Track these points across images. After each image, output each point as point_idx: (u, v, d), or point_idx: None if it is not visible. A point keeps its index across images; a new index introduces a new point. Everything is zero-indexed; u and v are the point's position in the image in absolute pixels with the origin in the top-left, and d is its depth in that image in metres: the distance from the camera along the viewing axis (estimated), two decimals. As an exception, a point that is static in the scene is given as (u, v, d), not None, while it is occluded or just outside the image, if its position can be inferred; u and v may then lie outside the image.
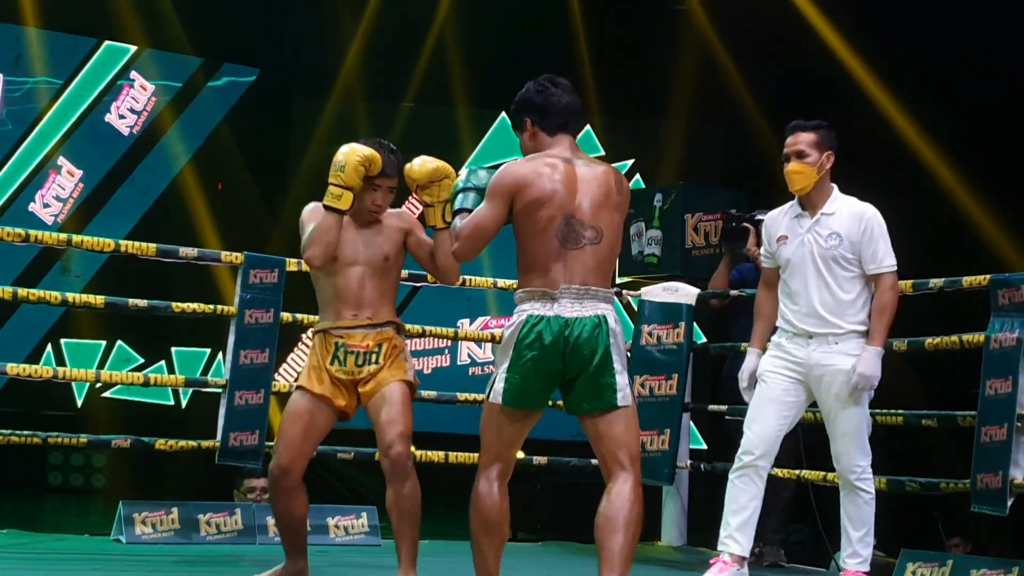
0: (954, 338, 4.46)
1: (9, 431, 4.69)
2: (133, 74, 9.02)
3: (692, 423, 6.00)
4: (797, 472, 5.03)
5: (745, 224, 5.43)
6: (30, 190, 8.77)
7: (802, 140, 4.06)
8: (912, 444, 6.76)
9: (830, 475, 4.78)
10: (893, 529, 6.73)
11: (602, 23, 9.54)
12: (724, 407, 5.35)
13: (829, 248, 3.96)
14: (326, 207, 3.60)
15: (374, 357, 3.68)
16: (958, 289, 4.50)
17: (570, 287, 3.08)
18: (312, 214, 3.73)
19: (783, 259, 4.06)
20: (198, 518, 4.87)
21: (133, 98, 9.06)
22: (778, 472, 5.10)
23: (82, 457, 8.97)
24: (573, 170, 3.15)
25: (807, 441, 5.31)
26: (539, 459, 5.71)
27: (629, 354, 3.31)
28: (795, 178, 4.04)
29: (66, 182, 8.83)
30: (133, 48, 9.00)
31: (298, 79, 9.47)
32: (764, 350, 4.16)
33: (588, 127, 9.67)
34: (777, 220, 4.14)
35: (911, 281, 4.66)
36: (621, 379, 3.10)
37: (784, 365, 4.01)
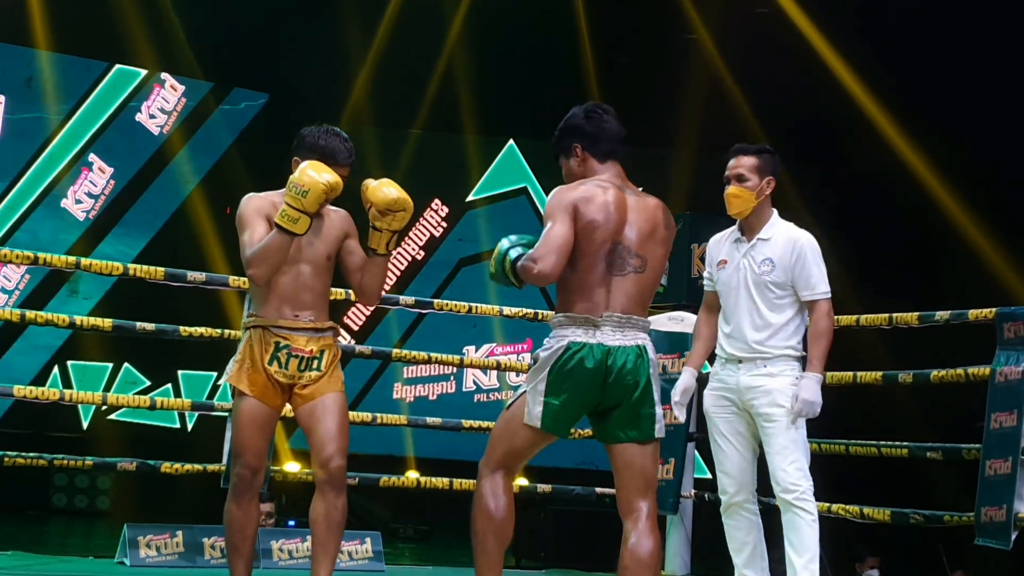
0: (959, 371, 4.47)
1: (15, 452, 4.70)
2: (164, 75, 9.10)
3: (696, 452, 5.99)
4: (801, 503, 5.01)
5: None
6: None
7: (743, 164, 4.05)
8: (917, 476, 6.75)
9: (834, 506, 4.78)
10: (898, 561, 6.72)
11: (610, 53, 9.59)
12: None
13: (761, 274, 3.96)
14: (279, 227, 3.46)
15: (315, 363, 3.58)
16: (964, 322, 4.51)
17: (612, 315, 3.08)
18: (253, 212, 3.59)
19: (721, 283, 4.07)
20: (203, 541, 4.87)
21: (164, 99, 9.14)
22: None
23: (87, 479, 8.97)
24: (624, 197, 3.17)
25: (811, 472, 5.31)
26: (543, 487, 5.70)
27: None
28: (733, 202, 4.04)
29: (98, 178, 8.90)
30: (144, 72, 9.06)
31: (308, 104, 9.50)
32: (699, 369, 4.17)
33: (596, 155, 9.71)
34: (719, 243, 4.16)
35: (917, 313, 4.68)
36: (659, 410, 3.11)
37: (721, 397, 4.01)
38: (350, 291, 4.32)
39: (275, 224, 3.47)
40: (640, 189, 3.29)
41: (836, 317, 5.11)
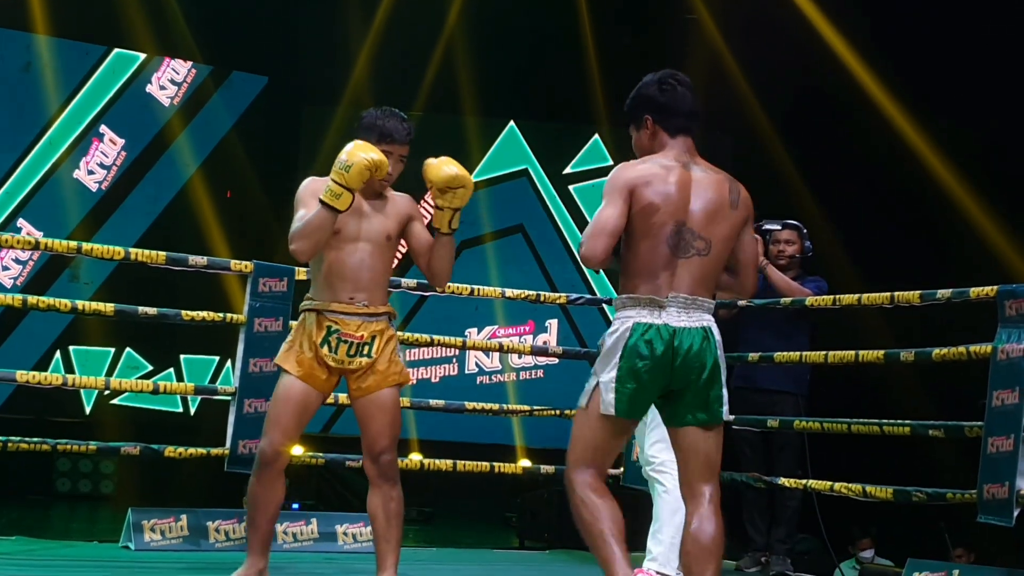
0: (961, 349, 4.47)
1: (19, 438, 4.71)
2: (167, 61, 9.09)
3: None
4: (803, 482, 5.03)
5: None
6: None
7: None
8: (919, 454, 6.76)
9: (836, 485, 4.79)
10: (899, 538, 6.73)
11: (611, 32, 9.56)
12: (731, 417, 5.35)
13: None
14: (323, 203, 3.49)
15: (366, 349, 3.60)
16: (965, 300, 4.51)
17: (678, 295, 3.00)
18: (309, 195, 3.60)
19: None
20: (207, 525, 4.89)
21: (174, 70, 9.10)
22: (784, 482, 5.12)
23: (90, 463, 8.99)
24: (689, 176, 3.06)
25: (812, 451, 5.33)
26: (546, 468, 5.72)
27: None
28: None
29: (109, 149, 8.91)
30: (142, 56, 9.04)
31: (307, 87, 9.49)
32: None
33: (596, 137, 9.70)
34: None
35: (918, 292, 4.67)
36: (726, 393, 3.05)
37: None
38: None
39: (320, 200, 3.49)
40: (711, 165, 3.15)
41: (838, 296, 5.13)
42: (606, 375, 3.02)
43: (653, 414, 4.06)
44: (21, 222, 8.62)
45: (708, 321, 3.04)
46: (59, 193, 8.77)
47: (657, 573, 3.99)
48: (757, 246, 3.11)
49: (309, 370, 3.59)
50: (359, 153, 3.48)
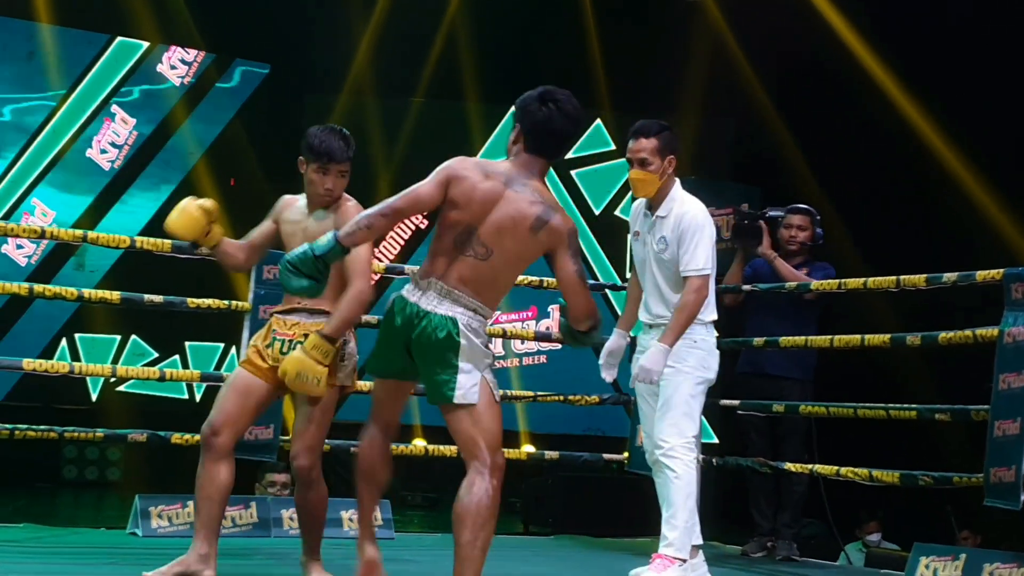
0: (967, 332, 4.47)
1: (26, 426, 4.72)
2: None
3: (703, 417, 6.00)
4: (809, 467, 5.04)
5: (758, 222, 5.45)
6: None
7: (644, 148, 4.12)
8: (926, 438, 6.77)
9: (843, 469, 4.80)
10: (906, 522, 6.74)
11: (612, 17, 9.54)
12: (736, 402, 5.36)
13: (660, 251, 4.13)
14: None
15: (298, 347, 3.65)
16: (971, 283, 4.50)
17: (440, 284, 3.20)
18: (274, 212, 3.98)
19: (635, 254, 4.26)
20: (213, 512, 4.88)
21: (185, 49, 9.10)
22: (790, 467, 5.12)
23: (97, 450, 9.01)
24: (502, 192, 3.19)
25: (818, 436, 5.33)
26: (551, 454, 5.73)
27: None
28: (638, 186, 4.16)
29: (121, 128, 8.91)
30: (145, 44, 9.03)
31: (310, 75, 9.48)
32: (628, 330, 4.33)
33: (599, 121, 9.68)
34: (636, 214, 4.29)
35: (924, 275, 4.67)
36: (461, 378, 3.18)
37: (639, 360, 4.15)
38: None
39: None
40: (547, 191, 3.25)
41: (844, 280, 5.13)
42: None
43: (661, 400, 4.09)
44: (35, 200, 8.64)
45: (459, 314, 3.18)
46: (72, 172, 8.78)
47: (674, 558, 3.99)
48: (574, 273, 3.18)
49: (253, 362, 3.73)
50: (172, 218, 3.79)
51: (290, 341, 3.68)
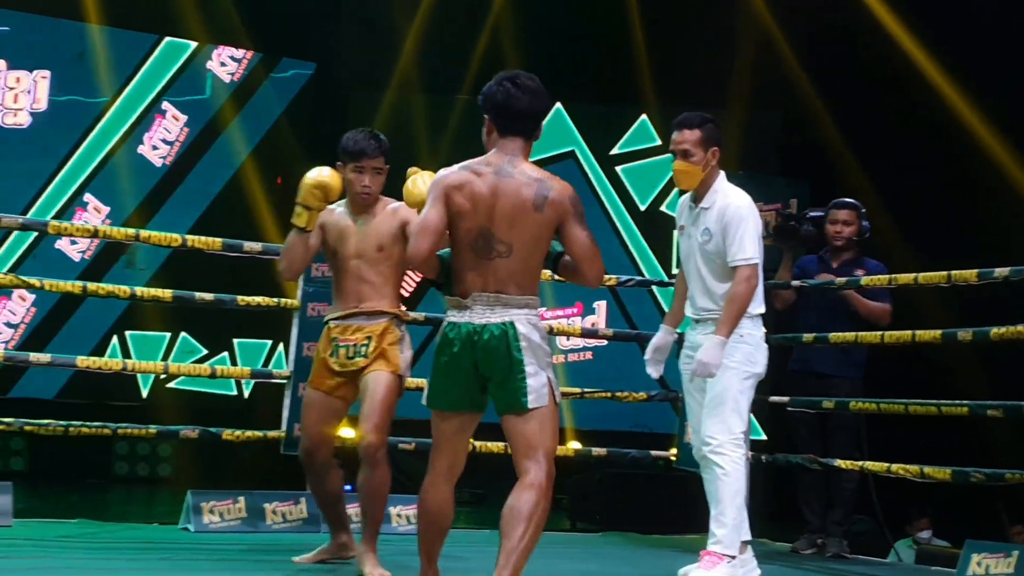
0: (1020, 328, 4.41)
1: (80, 422, 4.79)
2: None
3: (752, 414, 5.98)
4: (860, 464, 5.00)
5: (800, 224, 5.43)
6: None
7: (687, 139, 4.10)
8: (977, 434, 6.69)
9: (893, 466, 4.76)
10: (957, 520, 6.67)
11: (658, 11, 9.50)
12: (786, 399, 5.33)
13: (703, 243, 4.10)
14: (291, 223, 3.90)
15: (363, 350, 3.88)
16: (1023, 278, 4.45)
17: (481, 294, 3.17)
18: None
19: (681, 248, 4.24)
20: (264, 507, 4.95)
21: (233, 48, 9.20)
22: (841, 463, 5.09)
23: (148, 447, 9.11)
24: (497, 182, 3.19)
25: (869, 433, 5.29)
26: (598, 450, 5.73)
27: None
28: (681, 178, 4.15)
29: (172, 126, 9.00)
30: (194, 44, 9.11)
31: (355, 73, 9.51)
32: (675, 326, 4.31)
33: (644, 117, 9.64)
34: (682, 208, 4.27)
35: (975, 271, 4.62)
36: (532, 382, 3.15)
37: (687, 355, 4.16)
38: None
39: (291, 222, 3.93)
40: (531, 164, 3.27)
41: (894, 276, 5.08)
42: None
43: (709, 396, 4.07)
44: (88, 196, 8.75)
45: (513, 316, 3.16)
46: (124, 169, 8.88)
47: (723, 555, 3.98)
48: (587, 239, 3.20)
49: (319, 377, 3.96)
50: (308, 174, 3.87)
51: (355, 346, 3.85)
